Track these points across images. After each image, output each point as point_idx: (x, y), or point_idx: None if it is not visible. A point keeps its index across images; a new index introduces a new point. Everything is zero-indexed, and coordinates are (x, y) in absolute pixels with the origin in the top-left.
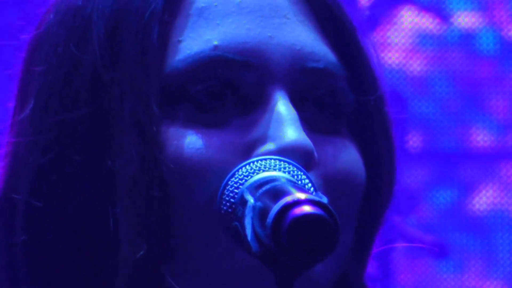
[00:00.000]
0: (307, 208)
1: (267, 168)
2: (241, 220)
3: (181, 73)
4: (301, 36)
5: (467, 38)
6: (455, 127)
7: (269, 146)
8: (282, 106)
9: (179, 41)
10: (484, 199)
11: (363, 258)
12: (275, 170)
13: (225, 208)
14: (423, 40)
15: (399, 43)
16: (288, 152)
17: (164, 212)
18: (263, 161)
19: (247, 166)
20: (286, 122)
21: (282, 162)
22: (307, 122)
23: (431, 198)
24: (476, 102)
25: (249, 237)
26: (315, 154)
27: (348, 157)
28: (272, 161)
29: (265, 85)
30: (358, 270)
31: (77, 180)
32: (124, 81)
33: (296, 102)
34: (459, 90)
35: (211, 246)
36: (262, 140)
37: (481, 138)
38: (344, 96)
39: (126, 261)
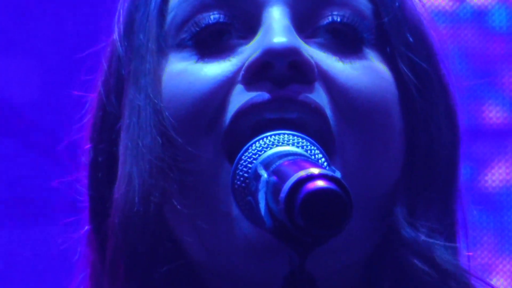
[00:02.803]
0: (320, 183)
1: (280, 143)
2: (254, 194)
3: (181, 15)
4: None
5: (479, 15)
6: (468, 104)
7: (255, 54)
8: (272, 19)
9: None
10: (496, 176)
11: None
12: (288, 144)
13: (238, 182)
14: (435, 17)
15: None
16: (272, 53)
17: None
18: (277, 135)
19: (261, 141)
20: (273, 30)
21: (295, 137)
22: (320, 45)
23: None
24: (489, 79)
25: (262, 212)
26: (303, 52)
27: (364, 73)
28: (286, 136)
29: (262, 10)
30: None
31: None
32: (132, 49)
33: (304, 27)
34: (471, 67)
35: (213, 182)
36: (253, 54)
37: (494, 114)
38: (359, 20)
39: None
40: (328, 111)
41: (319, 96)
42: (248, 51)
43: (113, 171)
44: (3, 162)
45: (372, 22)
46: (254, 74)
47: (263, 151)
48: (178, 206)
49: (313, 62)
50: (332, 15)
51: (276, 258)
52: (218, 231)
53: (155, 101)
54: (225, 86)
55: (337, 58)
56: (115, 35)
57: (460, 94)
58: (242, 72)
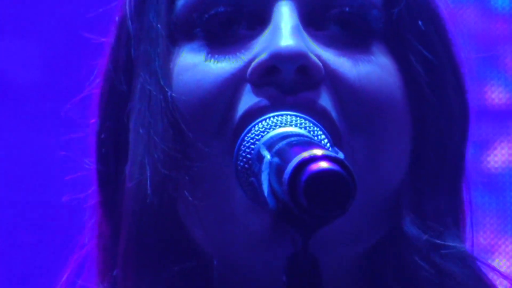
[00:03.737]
0: (323, 164)
1: (283, 124)
2: (257, 176)
3: (190, 4)
4: None
5: None
6: (471, 84)
7: (262, 56)
8: (281, 18)
9: None
10: (499, 157)
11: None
12: (291, 125)
13: (241, 164)
14: None
15: None
16: (279, 58)
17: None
18: (280, 116)
19: (263, 122)
20: (281, 31)
21: (298, 118)
22: (328, 39)
23: None
24: (492, 60)
25: (265, 193)
26: (311, 56)
27: (371, 71)
28: (289, 117)
29: (271, 2)
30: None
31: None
32: (142, 31)
33: (312, 19)
34: (474, 48)
35: (224, 181)
36: (261, 54)
37: (496, 95)
38: (368, 10)
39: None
40: (334, 114)
41: (326, 100)
42: (257, 48)
43: (119, 148)
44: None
45: (382, 10)
46: (260, 77)
47: (266, 132)
48: (190, 198)
49: (320, 66)
50: (341, 5)
51: (280, 247)
52: (223, 223)
53: (166, 89)
54: (233, 85)
55: (345, 54)
56: (126, 11)
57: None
58: (249, 72)
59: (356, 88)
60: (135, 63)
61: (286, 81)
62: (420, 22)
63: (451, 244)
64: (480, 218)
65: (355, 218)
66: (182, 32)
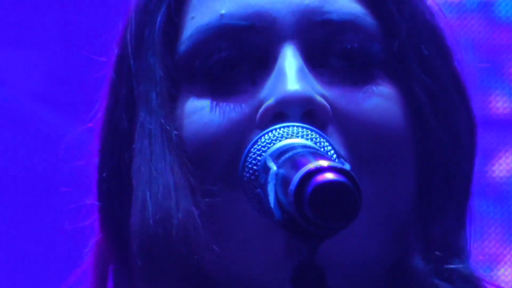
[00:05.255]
0: (329, 175)
1: (289, 135)
2: (263, 187)
3: (192, 49)
4: None
5: (486, 5)
6: (475, 94)
7: (269, 102)
8: (285, 61)
9: (192, 18)
10: (504, 166)
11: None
12: (297, 137)
13: (247, 175)
14: (442, 7)
15: None
16: (286, 104)
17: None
18: (286, 128)
19: (270, 133)
20: (286, 75)
21: (304, 129)
22: (332, 75)
23: None
24: (496, 69)
25: (272, 204)
26: (318, 100)
27: (377, 105)
28: (295, 128)
29: (273, 45)
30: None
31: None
32: (142, 70)
33: (315, 56)
34: (478, 57)
35: (234, 213)
36: (267, 99)
37: (501, 105)
38: (370, 44)
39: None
40: (343, 153)
41: (334, 140)
42: (262, 93)
43: (121, 187)
44: (8, 156)
45: (383, 42)
46: (268, 122)
47: (272, 144)
48: (201, 231)
49: (328, 108)
50: (343, 42)
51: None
52: (237, 248)
53: (168, 127)
54: (241, 130)
55: (351, 88)
56: (127, 45)
57: (467, 84)
58: (257, 119)
59: (364, 125)
60: (136, 101)
61: None
62: (422, 46)
63: (457, 266)
64: (485, 227)
65: (362, 242)
66: (184, 74)
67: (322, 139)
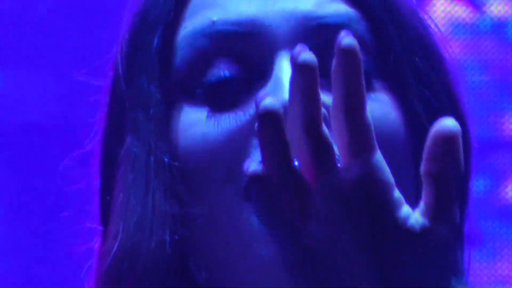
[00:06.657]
0: None
1: None
2: None
3: (184, 62)
4: None
5: (499, 27)
6: (488, 115)
7: None
8: (281, 70)
9: (185, 28)
10: None
11: None
12: None
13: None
14: (455, 28)
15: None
16: (284, 113)
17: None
18: None
19: None
20: (283, 84)
21: None
22: (329, 81)
23: None
24: (509, 90)
25: None
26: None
27: (376, 110)
28: None
29: (269, 53)
30: None
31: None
32: (136, 89)
33: None
34: (491, 78)
35: (234, 221)
36: None
37: None
38: (365, 48)
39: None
40: None
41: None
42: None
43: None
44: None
45: (377, 55)
46: None
47: None
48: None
49: (325, 114)
50: None
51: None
52: (232, 255)
53: (157, 150)
54: (239, 140)
55: None
56: (119, 69)
57: (480, 105)
58: (256, 128)
59: None
60: (125, 125)
61: None
62: (416, 59)
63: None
64: (498, 248)
65: None
66: (177, 89)
67: None
